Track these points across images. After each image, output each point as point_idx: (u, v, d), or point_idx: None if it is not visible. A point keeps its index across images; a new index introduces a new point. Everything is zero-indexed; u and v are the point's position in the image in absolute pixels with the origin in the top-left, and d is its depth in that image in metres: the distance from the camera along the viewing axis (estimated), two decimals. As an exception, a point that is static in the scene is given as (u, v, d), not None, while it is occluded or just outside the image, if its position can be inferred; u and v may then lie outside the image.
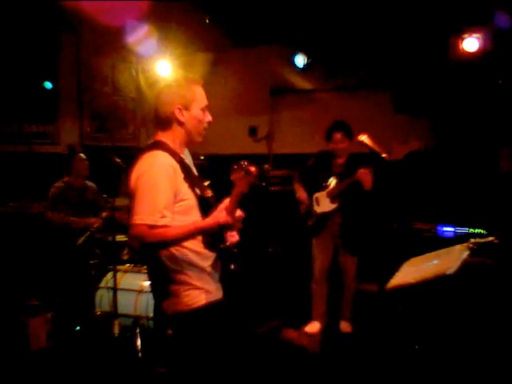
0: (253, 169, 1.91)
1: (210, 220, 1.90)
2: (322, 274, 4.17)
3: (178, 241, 1.90)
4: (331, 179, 3.96)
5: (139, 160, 1.95)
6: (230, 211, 1.92)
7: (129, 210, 1.99)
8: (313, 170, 4.10)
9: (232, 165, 1.92)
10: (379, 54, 5.19)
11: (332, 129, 3.98)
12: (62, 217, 4.13)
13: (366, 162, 3.74)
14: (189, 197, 1.96)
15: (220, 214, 1.89)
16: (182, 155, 2.05)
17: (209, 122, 2.10)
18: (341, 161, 4.02)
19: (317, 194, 4.03)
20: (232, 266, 2.04)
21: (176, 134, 2.03)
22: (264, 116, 6.29)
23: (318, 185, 4.02)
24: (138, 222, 1.82)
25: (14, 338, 3.57)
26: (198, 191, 2.02)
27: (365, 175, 3.66)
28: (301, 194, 4.08)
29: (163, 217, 1.83)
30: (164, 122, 2.03)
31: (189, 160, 2.13)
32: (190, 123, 2.03)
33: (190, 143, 2.10)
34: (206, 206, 2.02)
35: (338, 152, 3.98)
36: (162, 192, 1.85)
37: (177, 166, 1.93)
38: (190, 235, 1.92)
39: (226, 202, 1.95)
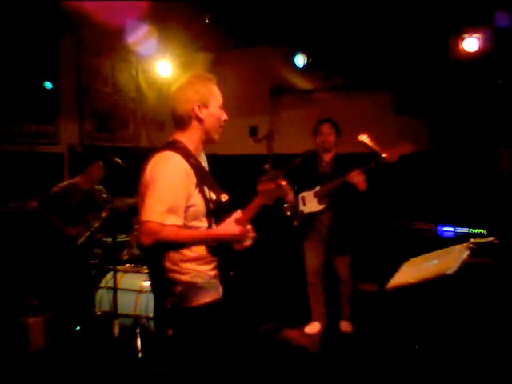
0: (284, 183, 1.92)
1: (221, 231, 1.91)
2: (316, 275, 4.16)
3: (187, 244, 1.90)
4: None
5: (153, 159, 1.94)
6: (244, 222, 1.92)
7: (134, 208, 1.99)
8: (299, 171, 4.01)
9: (262, 176, 1.92)
10: (379, 54, 5.18)
11: (319, 122, 4.02)
12: (42, 213, 4.11)
13: (353, 161, 3.73)
14: (198, 203, 1.94)
15: (231, 225, 1.90)
16: (198, 157, 2.04)
17: (225, 121, 2.10)
18: (327, 158, 3.99)
19: (303, 194, 3.98)
20: (231, 273, 2.04)
21: (194, 133, 2.03)
22: (264, 116, 6.28)
23: (304, 185, 3.96)
24: (145, 218, 1.82)
25: (13, 338, 3.57)
26: (211, 195, 2.01)
27: (357, 177, 3.62)
28: (288, 193, 3.96)
29: (170, 216, 1.82)
30: (183, 120, 2.02)
31: (205, 164, 2.12)
32: (208, 120, 2.03)
33: (208, 142, 2.09)
34: (219, 211, 2.01)
35: (326, 144, 3.94)
36: (172, 192, 1.84)
37: (190, 170, 1.91)
38: (201, 241, 1.93)
39: (238, 213, 1.94)
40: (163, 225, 1.80)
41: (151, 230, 1.79)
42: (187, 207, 1.91)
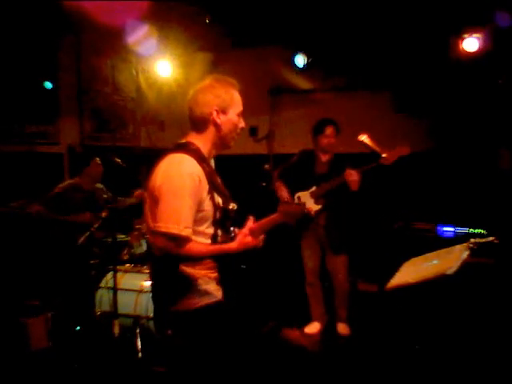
0: (312, 212, 1.97)
1: (236, 245, 1.91)
2: (314, 275, 4.14)
3: (200, 258, 1.92)
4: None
5: (165, 160, 1.92)
6: (258, 233, 1.94)
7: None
8: (294, 169, 4.00)
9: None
10: (379, 53, 5.19)
11: (323, 123, 3.91)
12: (47, 214, 4.07)
13: (351, 162, 3.72)
14: (208, 208, 1.94)
15: (246, 239, 1.90)
16: (210, 161, 2.03)
17: (242, 128, 2.07)
18: (325, 159, 3.96)
19: (299, 194, 3.92)
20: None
21: (209, 137, 2.00)
22: (264, 116, 6.29)
23: (300, 184, 3.91)
24: (162, 229, 1.81)
25: (14, 338, 3.56)
26: (219, 202, 2.00)
27: (351, 176, 3.59)
28: (283, 193, 3.94)
29: (187, 227, 1.83)
30: (199, 123, 2.00)
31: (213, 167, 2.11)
32: (225, 127, 2.00)
33: (221, 147, 2.06)
34: (225, 218, 2.01)
35: (327, 147, 3.90)
36: (187, 202, 1.83)
37: (202, 174, 1.90)
38: (213, 255, 1.94)
39: (250, 223, 1.95)
40: (181, 237, 1.81)
41: (164, 244, 1.82)
42: (198, 211, 1.90)
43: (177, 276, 1.93)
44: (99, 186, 4.45)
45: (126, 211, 4.14)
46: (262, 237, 2.04)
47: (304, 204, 1.92)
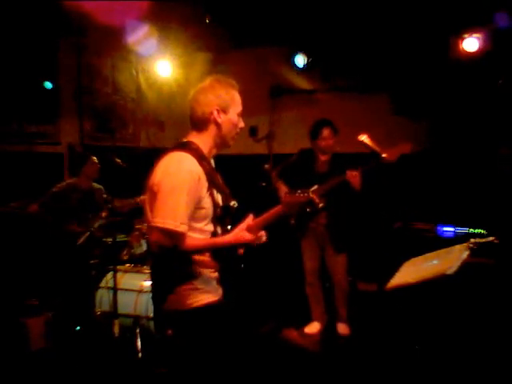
0: (321, 204, 1.95)
1: (232, 238, 1.92)
2: (314, 275, 4.14)
3: (196, 252, 1.92)
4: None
5: (166, 158, 1.94)
6: (256, 229, 1.93)
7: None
8: (294, 168, 4.02)
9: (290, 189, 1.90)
10: (379, 54, 5.19)
11: (319, 125, 3.93)
12: (43, 215, 4.07)
13: (350, 161, 3.72)
14: (208, 206, 1.95)
15: (242, 233, 1.91)
16: (211, 159, 2.05)
17: (241, 128, 2.10)
18: (325, 158, 3.96)
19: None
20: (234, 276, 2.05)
21: (210, 136, 2.03)
22: (264, 116, 6.29)
23: (301, 183, 3.94)
24: (159, 224, 1.82)
25: (13, 339, 3.57)
26: (219, 199, 2.02)
27: (354, 177, 3.60)
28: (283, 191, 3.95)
29: (183, 223, 1.84)
30: (200, 122, 2.02)
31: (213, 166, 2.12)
32: (225, 126, 2.03)
33: (221, 146, 2.09)
34: (225, 216, 2.02)
35: (326, 149, 3.91)
36: (184, 199, 1.84)
37: (202, 173, 1.92)
38: (209, 249, 1.95)
39: (249, 219, 1.95)
40: (177, 233, 1.82)
41: (160, 238, 1.82)
42: (197, 209, 1.91)
43: (177, 275, 1.94)
44: (97, 186, 4.44)
45: (125, 212, 4.14)
46: (262, 233, 2.04)
47: (308, 191, 1.89)
